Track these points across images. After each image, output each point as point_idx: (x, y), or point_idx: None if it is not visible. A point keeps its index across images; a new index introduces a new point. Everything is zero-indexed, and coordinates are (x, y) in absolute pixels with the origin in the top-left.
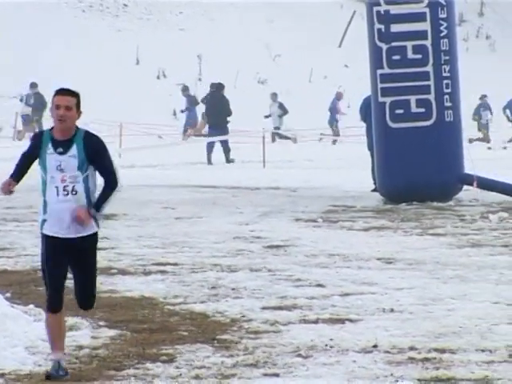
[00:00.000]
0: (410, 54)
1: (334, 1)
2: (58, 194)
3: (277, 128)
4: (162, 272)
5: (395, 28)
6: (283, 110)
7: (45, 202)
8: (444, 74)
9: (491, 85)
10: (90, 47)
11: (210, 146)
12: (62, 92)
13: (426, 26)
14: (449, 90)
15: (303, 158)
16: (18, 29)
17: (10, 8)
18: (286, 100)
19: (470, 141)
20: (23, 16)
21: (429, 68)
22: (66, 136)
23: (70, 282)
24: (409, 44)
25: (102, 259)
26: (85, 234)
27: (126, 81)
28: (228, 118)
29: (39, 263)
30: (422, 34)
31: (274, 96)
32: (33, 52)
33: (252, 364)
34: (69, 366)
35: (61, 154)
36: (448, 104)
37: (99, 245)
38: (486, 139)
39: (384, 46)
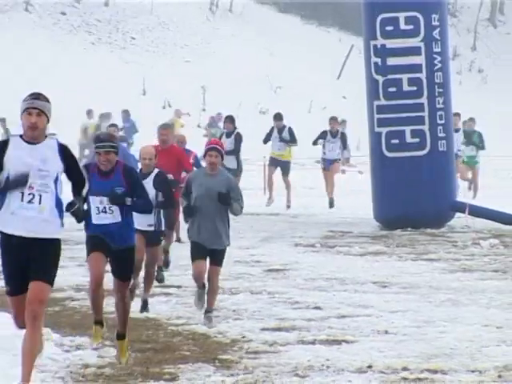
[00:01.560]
0: (406, 87)
1: (332, 35)
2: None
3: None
4: (166, 294)
5: (391, 61)
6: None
7: None
8: (438, 106)
9: (483, 116)
10: (99, 78)
11: None
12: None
13: (420, 59)
14: (442, 121)
15: (302, 185)
16: (31, 55)
17: (27, 36)
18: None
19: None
20: (37, 44)
21: (423, 100)
22: None
23: (76, 303)
24: (404, 77)
25: (108, 281)
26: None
27: (133, 110)
28: None
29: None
30: (416, 68)
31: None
32: (43, 80)
33: (251, 383)
34: None
35: None
36: (441, 134)
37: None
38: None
39: (380, 79)
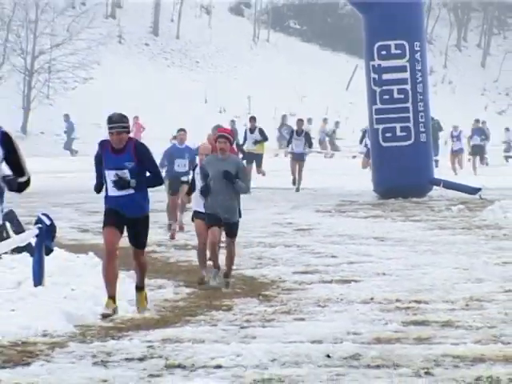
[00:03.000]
0: (396, 95)
1: (342, 58)
2: None
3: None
4: (222, 247)
5: (385, 76)
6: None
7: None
8: (419, 109)
9: (453, 118)
10: (172, 92)
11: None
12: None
13: (406, 75)
14: (423, 120)
15: (321, 167)
16: (124, 76)
17: (120, 62)
18: (310, 128)
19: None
20: (127, 68)
21: (409, 104)
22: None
23: (157, 255)
24: (395, 88)
25: (180, 238)
26: None
27: (197, 115)
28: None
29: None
30: (403, 81)
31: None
32: (133, 95)
33: (286, 312)
34: (158, 314)
35: None
36: (422, 129)
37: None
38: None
39: (377, 89)
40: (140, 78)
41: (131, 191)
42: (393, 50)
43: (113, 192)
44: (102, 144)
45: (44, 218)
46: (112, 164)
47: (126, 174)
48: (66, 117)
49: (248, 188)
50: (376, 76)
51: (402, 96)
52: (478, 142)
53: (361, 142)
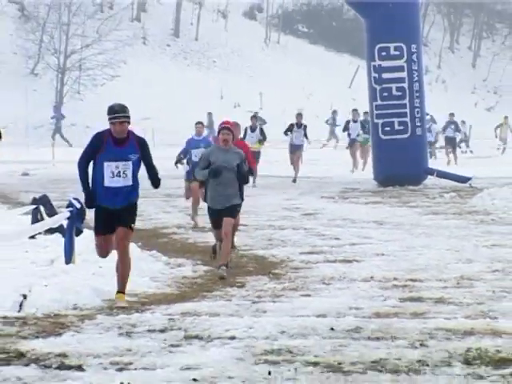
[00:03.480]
0: (394, 92)
1: (345, 58)
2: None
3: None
4: (238, 230)
5: (385, 76)
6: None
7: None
8: (415, 105)
9: (445, 113)
10: (191, 89)
11: None
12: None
13: (404, 74)
14: (419, 115)
15: (325, 158)
16: (148, 75)
17: (145, 62)
18: (316, 122)
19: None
20: (151, 67)
21: (406, 101)
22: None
23: (177, 236)
24: (393, 86)
25: (200, 222)
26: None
27: (213, 110)
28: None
29: (159, 225)
30: (401, 80)
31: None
32: (156, 91)
33: (293, 288)
34: (178, 289)
35: None
36: (418, 124)
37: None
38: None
39: (378, 87)
40: (162, 75)
41: (129, 183)
42: (392, 52)
43: (110, 183)
44: (102, 135)
45: (75, 202)
46: (113, 156)
47: (128, 166)
48: (55, 108)
49: (248, 179)
50: (376, 75)
51: (400, 93)
52: (451, 134)
53: (344, 130)
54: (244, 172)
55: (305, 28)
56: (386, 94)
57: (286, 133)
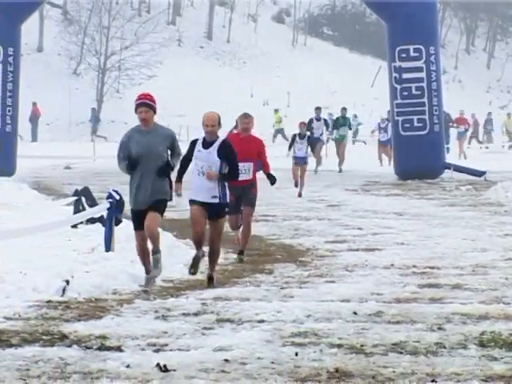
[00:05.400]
0: (414, 91)
1: (368, 60)
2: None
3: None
4: (266, 220)
5: (405, 76)
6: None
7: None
8: (433, 104)
9: (463, 111)
10: (223, 88)
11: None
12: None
13: (423, 74)
14: (437, 113)
15: (348, 154)
16: (183, 75)
17: (180, 62)
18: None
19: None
20: (186, 67)
21: (425, 100)
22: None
23: None
24: (413, 85)
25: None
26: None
27: (243, 108)
28: None
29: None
30: (420, 79)
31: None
32: (191, 90)
33: (319, 275)
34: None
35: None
36: (436, 121)
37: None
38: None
39: (398, 87)
40: (196, 75)
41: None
42: (411, 53)
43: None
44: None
45: (114, 194)
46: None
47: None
48: (93, 111)
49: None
50: (397, 75)
51: (419, 92)
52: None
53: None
54: (171, 163)
55: (330, 31)
56: (405, 93)
57: (290, 147)
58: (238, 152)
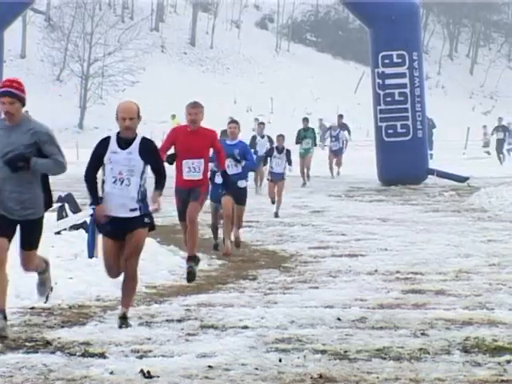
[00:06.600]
0: (397, 97)
1: (351, 65)
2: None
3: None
4: (250, 226)
5: (388, 81)
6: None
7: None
8: (417, 109)
9: (444, 116)
10: (207, 94)
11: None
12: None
13: (406, 80)
14: (420, 119)
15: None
16: (165, 80)
17: (163, 68)
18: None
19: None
20: (168, 73)
21: (408, 105)
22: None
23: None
24: (396, 91)
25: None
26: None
27: (227, 114)
28: None
29: (176, 221)
30: (403, 85)
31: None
32: (173, 95)
33: (302, 281)
34: (194, 282)
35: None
36: (419, 127)
37: None
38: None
39: (381, 92)
40: (179, 81)
41: None
42: (394, 59)
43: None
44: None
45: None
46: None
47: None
48: None
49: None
50: (380, 81)
51: (402, 98)
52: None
53: (251, 146)
54: (50, 165)
55: (313, 37)
56: (389, 98)
57: (265, 162)
58: (185, 148)
